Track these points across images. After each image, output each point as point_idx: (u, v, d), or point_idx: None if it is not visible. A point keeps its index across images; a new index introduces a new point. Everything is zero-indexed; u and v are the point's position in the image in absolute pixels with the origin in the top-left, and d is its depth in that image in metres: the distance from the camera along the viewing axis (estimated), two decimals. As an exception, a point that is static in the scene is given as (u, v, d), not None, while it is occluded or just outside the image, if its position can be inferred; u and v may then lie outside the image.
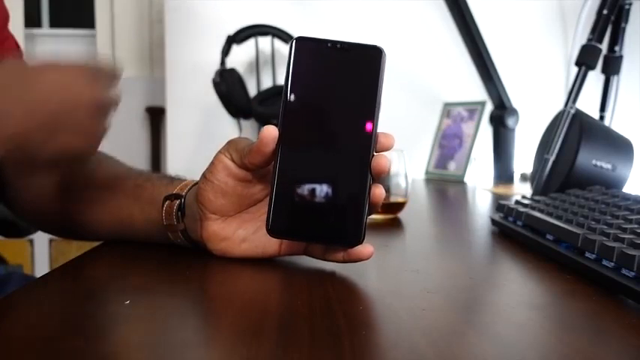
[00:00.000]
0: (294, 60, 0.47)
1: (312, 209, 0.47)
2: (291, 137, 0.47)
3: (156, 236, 0.55)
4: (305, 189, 0.47)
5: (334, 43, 0.47)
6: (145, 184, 0.57)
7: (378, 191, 0.47)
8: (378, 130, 0.47)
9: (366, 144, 0.46)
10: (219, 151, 0.49)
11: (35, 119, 0.45)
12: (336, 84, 0.47)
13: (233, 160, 0.48)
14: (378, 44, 0.48)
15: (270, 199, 0.47)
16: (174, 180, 0.57)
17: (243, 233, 0.50)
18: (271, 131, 0.46)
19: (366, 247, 0.47)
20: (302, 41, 0.47)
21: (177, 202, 0.53)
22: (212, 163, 0.49)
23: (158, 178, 0.58)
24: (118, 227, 0.57)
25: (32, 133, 0.45)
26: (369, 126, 0.47)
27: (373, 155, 0.46)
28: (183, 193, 0.53)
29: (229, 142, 0.49)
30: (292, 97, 0.47)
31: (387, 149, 0.48)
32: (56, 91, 0.46)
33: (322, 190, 0.47)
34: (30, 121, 0.45)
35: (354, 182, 0.47)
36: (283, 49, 1.55)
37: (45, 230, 0.67)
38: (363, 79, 0.47)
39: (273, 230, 0.47)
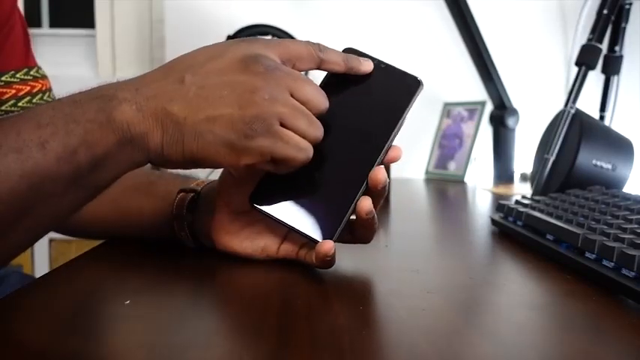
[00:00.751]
0: None
1: (298, 194, 0.47)
2: None
3: (161, 231, 0.55)
4: (299, 174, 0.46)
5: (379, 62, 0.49)
6: (158, 181, 0.58)
7: (365, 202, 0.46)
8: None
9: (373, 156, 0.47)
10: None
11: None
12: (368, 98, 0.49)
13: None
14: (420, 76, 0.49)
15: (264, 174, 0.48)
16: (188, 177, 0.58)
17: (247, 232, 0.51)
18: None
19: (326, 242, 0.45)
20: (350, 52, 0.49)
21: (192, 195, 0.54)
22: None
23: (172, 176, 0.59)
24: (126, 223, 0.58)
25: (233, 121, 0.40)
26: (381, 142, 0.47)
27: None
28: (199, 188, 0.54)
29: None
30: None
31: (393, 161, 0.48)
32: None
33: (316, 181, 0.47)
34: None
35: (348, 184, 0.47)
36: (283, 49, 1.55)
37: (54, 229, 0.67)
38: (394, 102, 0.48)
39: (254, 199, 0.48)
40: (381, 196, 0.47)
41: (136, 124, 0.39)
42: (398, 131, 0.48)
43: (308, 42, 0.45)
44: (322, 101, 0.43)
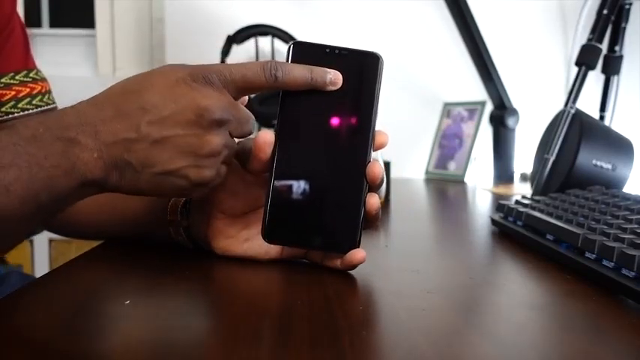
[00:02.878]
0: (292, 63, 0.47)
1: (308, 215, 0.47)
2: (287, 142, 0.47)
3: (158, 233, 0.55)
4: (301, 195, 0.47)
5: (332, 48, 0.47)
6: None
7: (373, 200, 0.47)
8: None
9: (363, 149, 0.47)
10: None
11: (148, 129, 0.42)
12: (337, 91, 0.47)
13: (241, 163, 0.49)
14: (376, 50, 0.48)
15: (266, 205, 0.47)
16: None
17: (247, 233, 0.51)
18: (266, 136, 0.47)
19: (358, 252, 0.47)
20: (299, 46, 0.47)
21: (184, 199, 0.53)
22: None
23: None
24: (122, 225, 0.58)
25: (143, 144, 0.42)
26: (365, 132, 0.47)
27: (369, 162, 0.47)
28: None
29: (239, 144, 0.50)
30: (289, 103, 0.47)
31: (381, 147, 0.48)
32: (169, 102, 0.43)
33: (318, 196, 0.47)
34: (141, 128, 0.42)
35: (350, 189, 0.47)
36: (283, 49, 1.55)
37: (49, 229, 0.67)
38: (361, 86, 0.47)
39: (268, 236, 0.48)
40: (380, 187, 0.48)
41: (97, 170, 0.41)
42: (377, 114, 0.47)
43: (265, 66, 0.45)
44: (248, 134, 0.47)
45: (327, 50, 0.47)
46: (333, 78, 0.46)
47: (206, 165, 0.43)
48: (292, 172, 0.47)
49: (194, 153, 0.42)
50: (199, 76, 0.43)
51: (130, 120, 0.41)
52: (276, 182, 0.47)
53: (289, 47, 0.47)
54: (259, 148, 0.47)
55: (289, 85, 0.46)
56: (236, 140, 0.47)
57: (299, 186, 0.47)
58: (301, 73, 0.46)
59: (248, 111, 0.46)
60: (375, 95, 0.47)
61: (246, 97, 0.48)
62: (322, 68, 0.46)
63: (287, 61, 0.47)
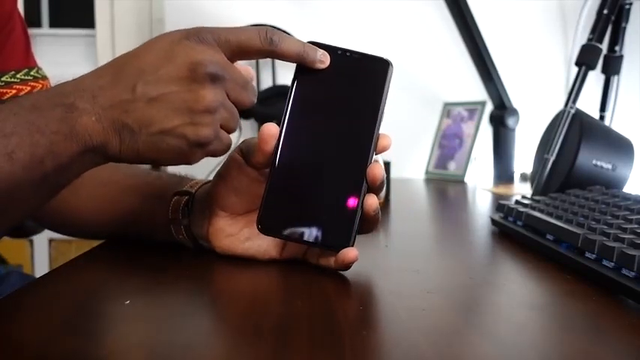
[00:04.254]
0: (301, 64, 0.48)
1: (304, 210, 0.47)
2: (291, 137, 0.47)
3: (159, 232, 0.55)
4: (299, 189, 0.47)
5: (344, 50, 0.48)
6: (154, 182, 0.58)
7: (371, 201, 0.47)
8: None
9: (365, 151, 0.47)
10: (234, 150, 0.50)
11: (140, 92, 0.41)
12: (342, 91, 0.48)
13: (245, 160, 0.49)
14: (387, 57, 0.48)
15: (264, 196, 0.48)
16: (183, 178, 0.58)
17: (247, 232, 0.51)
18: (270, 129, 0.47)
19: (350, 250, 0.47)
20: (313, 45, 0.48)
21: (186, 198, 0.54)
22: (226, 162, 0.51)
23: (168, 176, 0.60)
24: (123, 224, 0.58)
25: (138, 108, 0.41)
26: (369, 134, 0.47)
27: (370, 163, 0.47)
28: (193, 191, 0.54)
29: (243, 142, 0.51)
30: (296, 100, 0.48)
31: (383, 150, 0.48)
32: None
33: (316, 192, 0.47)
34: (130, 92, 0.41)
35: (349, 187, 0.47)
36: (283, 49, 1.55)
37: (50, 228, 0.67)
38: (369, 89, 0.48)
39: (262, 226, 0.48)
40: (381, 189, 0.48)
41: (97, 135, 0.41)
42: (382, 118, 0.47)
43: (261, 30, 0.45)
44: (248, 101, 0.46)
45: (339, 52, 0.48)
46: (322, 57, 0.47)
47: (203, 122, 0.42)
48: (293, 165, 0.47)
49: (189, 109, 0.42)
50: (193, 35, 0.43)
51: (127, 82, 0.41)
52: (276, 174, 0.47)
53: None
54: (264, 139, 0.47)
55: (283, 52, 0.46)
56: (234, 140, 0.46)
57: (298, 180, 0.47)
58: (295, 43, 0.46)
59: (245, 75, 0.46)
60: (381, 100, 0.47)
61: (252, 72, 0.47)
62: (314, 46, 0.47)
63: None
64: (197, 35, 0.43)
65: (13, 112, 0.40)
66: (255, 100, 0.47)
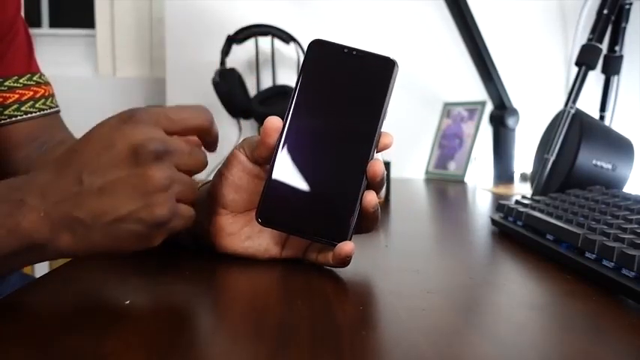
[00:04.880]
0: (308, 61, 0.48)
1: (303, 203, 0.48)
2: (294, 131, 0.48)
3: None
4: (299, 182, 0.47)
5: (350, 49, 0.48)
6: None
7: (370, 197, 0.47)
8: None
9: (366, 148, 0.47)
10: (235, 148, 0.51)
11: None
12: (346, 88, 0.48)
13: (247, 156, 0.50)
14: (392, 56, 0.48)
15: (264, 188, 0.48)
16: None
17: (248, 231, 0.51)
18: (274, 122, 0.48)
19: (346, 244, 0.46)
20: (319, 44, 0.49)
21: None
22: (227, 159, 0.51)
23: None
24: None
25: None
26: (371, 131, 0.47)
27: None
28: None
29: (244, 139, 0.51)
30: (301, 95, 0.48)
31: (385, 148, 0.48)
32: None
33: (316, 185, 0.47)
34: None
35: (349, 182, 0.47)
36: (283, 48, 1.55)
37: None
38: (373, 87, 0.48)
39: (261, 217, 0.48)
40: (381, 186, 0.48)
41: (42, 231, 0.40)
42: (384, 117, 0.48)
43: (200, 107, 0.45)
44: (201, 165, 0.45)
45: (345, 50, 0.48)
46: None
47: (157, 202, 0.41)
48: (294, 159, 0.48)
49: (140, 192, 0.41)
50: (129, 118, 0.42)
51: (72, 175, 0.41)
52: (276, 167, 0.48)
53: (309, 45, 0.48)
54: (267, 133, 0.47)
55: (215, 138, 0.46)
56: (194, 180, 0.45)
57: (298, 174, 0.48)
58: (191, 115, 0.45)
59: (192, 141, 0.45)
60: (385, 98, 0.48)
61: (195, 139, 0.46)
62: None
63: (305, 56, 0.49)
64: (133, 117, 0.42)
65: None
66: (207, 162, 0.46)
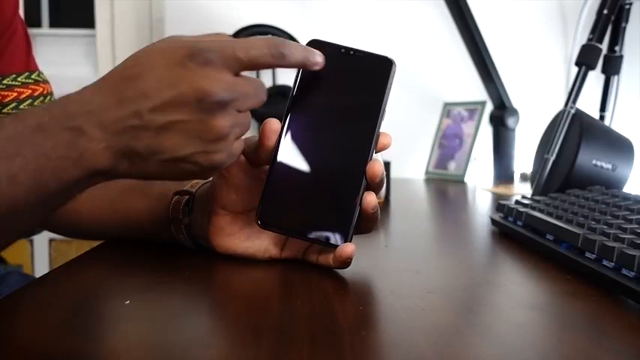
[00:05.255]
0: None
1: (303, 205, 0.48)
2: (292, 133, 0.48)
3: (159, 232, 0.55)
4: (299, 184, 0.47)
5: (347, 49, 0.48)
6: (155, 182, 0.58)
7: (370, 198, 0.47)
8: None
9: (366, 149, 0.47)
10: None
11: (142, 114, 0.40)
12: (344, 88, 0.48)
13: (246, 157, 0.49)
14: (390, 55, 0.48)
15: (264, 190, 0.48)
16: None
17: (248, 231, 0.51)
18: (272, 124, 0.48)
19: (347, 245, 0.46)
20: (316, 44, 0.48)
21: (187, 197, 0.54)
22: None
23: None
24: (123, 224, 0.58)
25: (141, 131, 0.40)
26: (370, 132, 0.47)
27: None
28: (194, 190, 0.54)
29: (245, 140, 0.50)
30: (299, 96, 0.48)
31: (384, 148, 0.48)
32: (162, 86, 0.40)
33: (316, 188, 0.47)
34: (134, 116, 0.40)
35: (348, 183, 0.47)
36: (283, 49, 1.55)
37: (50, 229, 0.67)
38: (371, 87, 0.48)
39: (262, 221, 0.48)
40: (381, 187, 0.48)
41: (106, 160, 0.40)
42: (383, 117, 0.48)
43: (270, 44, 0.43)
44: (262, 102, 0.45)
45: (343, 50, 0.48)
46: (320, 59, 0.46)
47: (215, 150, 0.41)
48: (293, 161, 0.48)
49: (201, 138, 0.41)
50: (198, 55, 0.41)
51: (133, 107, 0.40)
52: (276, 169, 0.48)
53: (307, 44, 0.48)
54: (265, 135, 0.47)
55: (291, 64, 0.45)
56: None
57: (298, 175, 0.47)
58: (300, 52, 0.45)
59: (255, 80, 0.44)
60: (383, 98, 0.47)
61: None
62: (317, 52, 0.46)
63: None
64: (201, 56, 0.40)
65: (17, 130, 0.39)
66: (266, 97, 0.45)
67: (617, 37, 1.00)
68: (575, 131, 0.83)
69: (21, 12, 0.71)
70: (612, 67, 1.02)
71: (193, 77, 0.40)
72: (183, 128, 0.40)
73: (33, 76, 0.71)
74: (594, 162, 0.79)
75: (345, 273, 0.48)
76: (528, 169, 1.11)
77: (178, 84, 0.40)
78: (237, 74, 0.42)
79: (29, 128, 0.39)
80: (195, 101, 0.40)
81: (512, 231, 0.65)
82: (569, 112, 0.86)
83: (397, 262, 0.56)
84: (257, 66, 0.43)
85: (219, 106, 0.41)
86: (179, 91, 0.40)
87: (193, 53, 0.40)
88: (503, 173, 1.40)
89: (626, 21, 0.99)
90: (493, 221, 0.71)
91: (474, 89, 1.47)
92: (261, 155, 0.48)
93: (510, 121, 1.40)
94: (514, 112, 1.40)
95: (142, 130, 0.40)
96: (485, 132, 1.46)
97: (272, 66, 0.44)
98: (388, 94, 0.48)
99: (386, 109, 0.48)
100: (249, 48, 0.42)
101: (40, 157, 0.39)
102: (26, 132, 0.39)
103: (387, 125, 0.49)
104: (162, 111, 0.40)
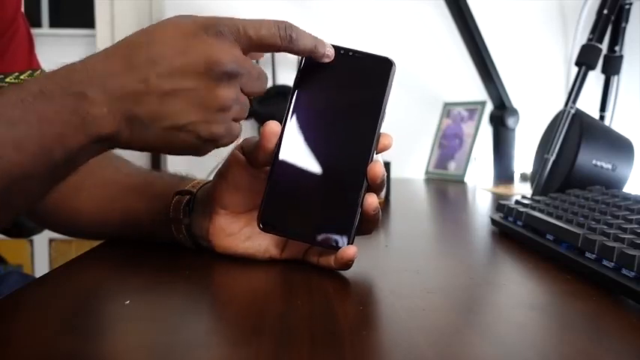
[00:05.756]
0: (306, 62, 0.48)
1: (304, 208, 0.48)
2: (293, 135, 0.48)
3: (159, 232, 0.55)
4: (300, 187, 0.47)
5: (347, 50, 0.48)
6: (155, 182, 0.58)
7: (371, 199, 0.47)
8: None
9: (366, 151, 0.47)
10: (234, 149, 0.50)
11: (152, 86, 0.40)
12: (345, 90, 0.48)
13: (246, 158, 0.49)
14: (390, 56, 0.48)
15: (265, 193, 0.48)
16: (184, 178, 0.58)
17: (248, 231, 0.51)
18: (273, 126, 0.47)
19: (349, 248, 0.47)
20: None
21: (187, 197, 0.54)
22: (227, 160, 0.50)
23: (169, 176, 0.60)
24: (123, 224, 0.58)
25: (147, 101, 0.40)
26: (370, 133, 0.47)
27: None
28: (195, 190, 0.54)
29: (244, 140, 0.51)
30: (299, 97, 0.48)
31: (384, 149, 0.48)
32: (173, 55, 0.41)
33: (317, 190, 0.47)
34: (142, 85, 0.40)
35: (349, 185, 0.47)
36: (283, 49, 1.55)
37: (51, 228, 0.67)
38: (371, 88, 0.48)
39: (263, 224, 0.48)
40: (381, 188, 0.48)
41: (108, 126, 0.40)
42: (383, 118, 0.48)
43: (280, 26, 0.44)
44: (262, 91, 0.46)
45: (342, 51, 0.48)
46: (330, 51, 0.47)
47: (216, 120, 0.42)
48: (294, 163, 0.48)
49: (204, 107, 0.41)
50: (211, 28, 0.42)
51: (139, 72, 0.40)
52: (277, 171, 0.48)
53: None
54: (265, 137, 0.47)
55: (299, 49, 0.45)
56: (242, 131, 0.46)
57: (299, 178, 0.47)
58: (309, 39, 0.46)
59: (260, 67, 0.45)
60: (383, 99, 0.47)
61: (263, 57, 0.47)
62: (327, 43, 0.47)
63: (303, 58, 0.48)
64: (214, 27, 0.42)
65: (20, 97, 0.39)
66: (266, 88, 0.46)
67: (617, 37, 1.00)
68: (575, 131, 0.83)
69: (22, 9, 0.70)
70: (612, 67, 1.02)
71: (205, 47, 0.41)
72: (188, 96, 0.41)
73: (35, 75, 0.71)
74: (594, 162, 0.79)
75: (346, 273, 0.48)
76: (528, 169, 1.11)
77: (190, 52, 0.41)
78: (245, 53, 0.43)
79: (32, 95, 0.39)
80: (204, 69, 0.41)
81: (512, 231, 0.65)
82: (569, 112, 0.86)
83: (397, 262, 0.56)
84: (265, 46, 0.44)
85: (227, 76, 0.41)
86: (190, 58, 0.41)
87: (207, 25, 0.42)
88: (503, 173, 1.40)
89: (626, 21, 0.99)
90: (493, 221, 0.71)
91: (474, 89, 1.47)
92: (261, 157, 0.48)
93: (510, 121, 1.40)
94: (514, 112, 1.40)
95: (146, 96, 0.40)
96: (485, 132, 1.46)
97: (280, 48, 0.45)
98: (388, 94, 0.48)
99: (386, 109, 0.48)
100: (260, 27, 0.44)
101: (44, 123, 0.39)
102: (29, 98, 0.39)
103: (387, 125, 0.49)
104: (170, 77, 0.40)
